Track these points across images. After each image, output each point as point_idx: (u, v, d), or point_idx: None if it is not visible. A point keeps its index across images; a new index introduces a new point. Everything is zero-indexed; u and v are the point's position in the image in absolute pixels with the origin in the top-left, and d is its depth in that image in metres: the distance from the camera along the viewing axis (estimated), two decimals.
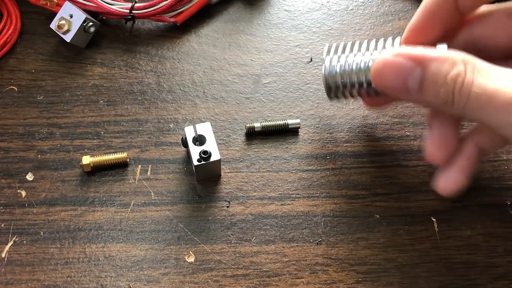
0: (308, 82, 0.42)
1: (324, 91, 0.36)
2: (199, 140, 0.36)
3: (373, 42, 0.34)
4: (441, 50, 0.30)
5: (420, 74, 0.29)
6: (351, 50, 0.34)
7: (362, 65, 0.33)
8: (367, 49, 0.34)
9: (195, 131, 0.36)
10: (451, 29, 0.34)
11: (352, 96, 0.35)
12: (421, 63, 0.29)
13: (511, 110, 0.26)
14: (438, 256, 0.34)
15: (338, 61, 0.34)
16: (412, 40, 0.33)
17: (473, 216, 0.36)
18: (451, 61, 0.28)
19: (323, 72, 0.35)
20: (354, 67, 0.33)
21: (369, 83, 0.33)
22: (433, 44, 0.31)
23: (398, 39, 0.33)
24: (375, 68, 0.30)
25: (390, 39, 0.34)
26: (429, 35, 0.33)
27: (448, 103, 0.28)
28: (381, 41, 0.34)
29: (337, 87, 0.35)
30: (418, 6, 0.46)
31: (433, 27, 0.33)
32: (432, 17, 0.33)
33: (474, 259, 0.34)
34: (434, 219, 0.36)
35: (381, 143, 0.39)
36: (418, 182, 0.37)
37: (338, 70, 0.34)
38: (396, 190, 0.37)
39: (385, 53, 0.30)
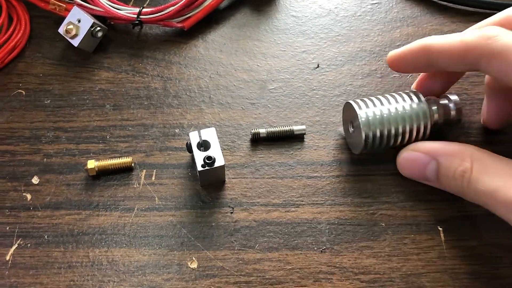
0: (314, 88, 0.42)
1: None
2: (204, 145, 0.36)
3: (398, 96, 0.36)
4: (453, 144, 0.33)
5: (435, 167, 0.33)
6: (381, 103, 0.36)
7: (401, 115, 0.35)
8: (396, 101, 0.36)
9: (200, 136, 0.36)
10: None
11: (388, 145, 0.36)
12: (434, 157, 0.33)
13: (509, 209, 0.29)
14: (443, 266, 0.34)
15: (374, 113, 0.35)
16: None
17: (479, 226, 0.35)
18: (460, 156, 0.31)
19: (360, 127, 0.35)
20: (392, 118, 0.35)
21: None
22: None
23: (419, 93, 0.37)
24: (398, 161, 0.36)
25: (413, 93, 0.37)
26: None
27: (460, 194, 0.32)
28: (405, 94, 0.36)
29: (374, 138, 0.35)
30: (426, 12, 0.46)
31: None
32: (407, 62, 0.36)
33: (479, 270, 0.34)
34: (440, 228, 0.35)
35: (387, 151, 0.39)
36: (424, 191, 0.37)
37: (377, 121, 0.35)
38: (401, 199, 0.37)
39: (404, 150, 0.35)
